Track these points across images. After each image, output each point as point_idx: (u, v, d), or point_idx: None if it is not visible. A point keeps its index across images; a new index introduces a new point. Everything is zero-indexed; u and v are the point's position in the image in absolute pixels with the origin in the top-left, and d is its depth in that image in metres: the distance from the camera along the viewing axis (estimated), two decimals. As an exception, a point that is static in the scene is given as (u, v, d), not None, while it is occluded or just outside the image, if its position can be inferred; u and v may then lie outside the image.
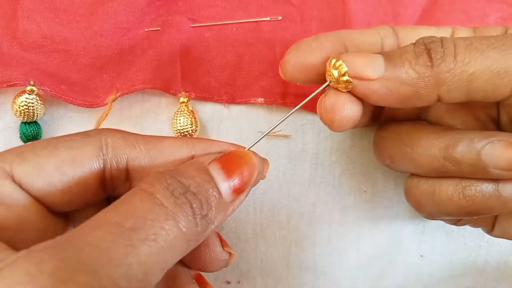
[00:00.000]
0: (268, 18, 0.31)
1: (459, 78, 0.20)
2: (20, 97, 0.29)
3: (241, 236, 0.33)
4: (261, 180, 0.32)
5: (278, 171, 0.32)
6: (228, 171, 0.20)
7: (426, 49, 0.21)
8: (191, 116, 0.30)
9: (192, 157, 0.21)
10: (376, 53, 0.22)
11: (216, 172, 0.19)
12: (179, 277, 0.24)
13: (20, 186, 0.19)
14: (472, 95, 0.21)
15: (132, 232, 0.16)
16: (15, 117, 0.30)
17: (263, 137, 0.24)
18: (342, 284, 0.34)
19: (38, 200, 0.19)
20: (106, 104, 0.30)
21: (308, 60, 0.23)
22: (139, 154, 0.21)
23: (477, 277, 0.34)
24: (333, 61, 0.22)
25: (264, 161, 0.23)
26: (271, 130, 0.24)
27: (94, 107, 0.30)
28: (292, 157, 0.32)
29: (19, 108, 0.29)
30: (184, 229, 0.17)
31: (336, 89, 0.23)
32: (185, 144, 0.22)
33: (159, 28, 0.31)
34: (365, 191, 0.33)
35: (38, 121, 0.30)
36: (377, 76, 0.21)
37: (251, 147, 0.23)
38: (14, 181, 0.19)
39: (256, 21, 0.31)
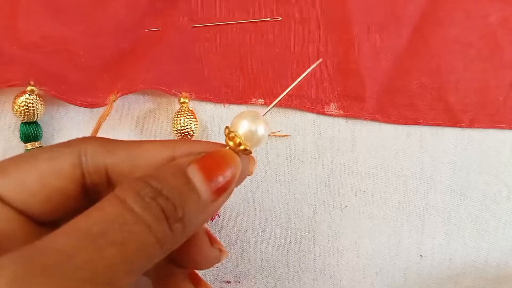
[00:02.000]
0: (268, 19, 0.31)
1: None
2: (20, 97, 0.29)
3: (241, 236, 0.33)
4: (261, 180, 0.33)
5: (278, 171, 0.32)
6: (208, 172, 0.19)
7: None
8: (191, 117, 0.30)
9: (173, 159, 0.21)
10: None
11: (195, 174, 0.19)
12: (172, 277, 0.24)
13: (2, 200, 0.19)
14: None
15: (99, 237, 0.16)
16: (15, 117, 0.30)
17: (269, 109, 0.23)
18: (341, 284, 0.34)
19: (21, 212, 0.20)
20: (106, 104, 0.30)
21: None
22: (118, 160, 0.21)
23: (477, 277, 0.34)
24: (226, 131, 0.21)
25: (249, 157, 0.23)
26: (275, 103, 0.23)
27: (94, 107, 0.30)
28: (293, 157, 0.32)
29: (19, 108, 0.29)
30: (155, 233, 0.17)
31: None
32: (165, 147, 0.21)
33: (159, 29, 0.31)
34: (365, 191, 0.33)
35: (38, 121, 0.30)
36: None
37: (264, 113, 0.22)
38: None
39: (256, 22, 0.31)
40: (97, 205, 0.17)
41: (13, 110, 0.30)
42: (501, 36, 0.32)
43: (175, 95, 0.31)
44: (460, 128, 0.33)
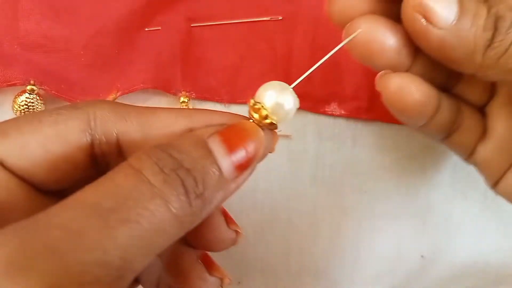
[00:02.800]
0: (269, 18, 0.31)
1: (503, 69, 0.19)
2: (20, 97, 0.29)
3: (241, 236, 0.33)
4: (261, 180, 0.33)
5: (278, 171, 0.32)
6: (230, 145, 0.18)
7: (495, 23, 0.19)
8: (191, 116, 0.30)
9: (190, 130, 0.19)
10: None
11: (216, 146, 0.17)
12: (182, 257, 0.22)
13: (3, 165, 0.18)
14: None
15: (110, 213, 0.14)
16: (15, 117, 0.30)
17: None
18: (342, 284, 0.34)
19: (24, 179, 0.18)
20: (106, 104, 0.30)
21: None
22: (131, 128, 0.19)
23: (477, 277, 0.34)
24: (252, 102, 0.19)
25: (272, 133, 0.21)
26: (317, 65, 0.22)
27: (94, 107, 0.30)
28: (293, 157, 0.32)
29: (19, 107, 0.29)
30: (174, 210, 0.15)
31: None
32: (182, 116, 0.19)
33: (159, 28, 0.31)
34: (365, 191, 0.33)
35: (38, 121, 0.30)
36: (446, 25, 0.19)
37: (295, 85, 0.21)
38: None
39: (257, 21, 0.31)
40: (108, 175, 0.16)
41: (13, 109, 0.30)
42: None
43: (175, 94, 0.31)
44: (460, 128, 0.33)
